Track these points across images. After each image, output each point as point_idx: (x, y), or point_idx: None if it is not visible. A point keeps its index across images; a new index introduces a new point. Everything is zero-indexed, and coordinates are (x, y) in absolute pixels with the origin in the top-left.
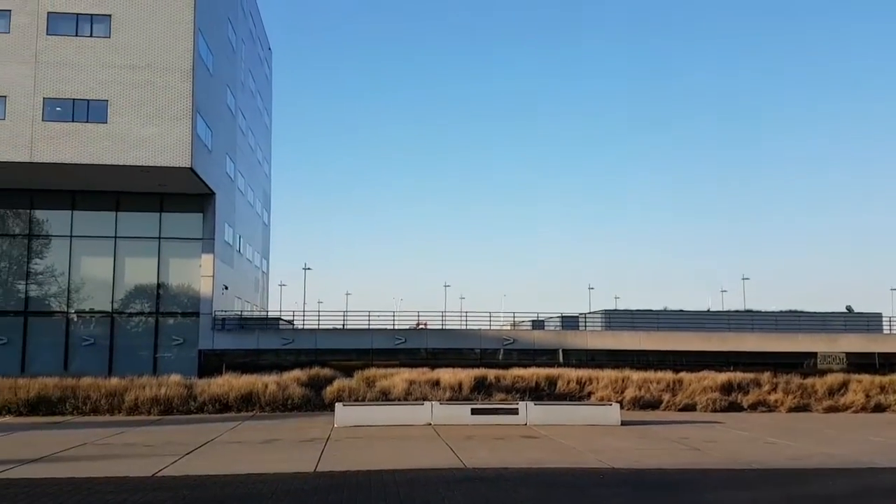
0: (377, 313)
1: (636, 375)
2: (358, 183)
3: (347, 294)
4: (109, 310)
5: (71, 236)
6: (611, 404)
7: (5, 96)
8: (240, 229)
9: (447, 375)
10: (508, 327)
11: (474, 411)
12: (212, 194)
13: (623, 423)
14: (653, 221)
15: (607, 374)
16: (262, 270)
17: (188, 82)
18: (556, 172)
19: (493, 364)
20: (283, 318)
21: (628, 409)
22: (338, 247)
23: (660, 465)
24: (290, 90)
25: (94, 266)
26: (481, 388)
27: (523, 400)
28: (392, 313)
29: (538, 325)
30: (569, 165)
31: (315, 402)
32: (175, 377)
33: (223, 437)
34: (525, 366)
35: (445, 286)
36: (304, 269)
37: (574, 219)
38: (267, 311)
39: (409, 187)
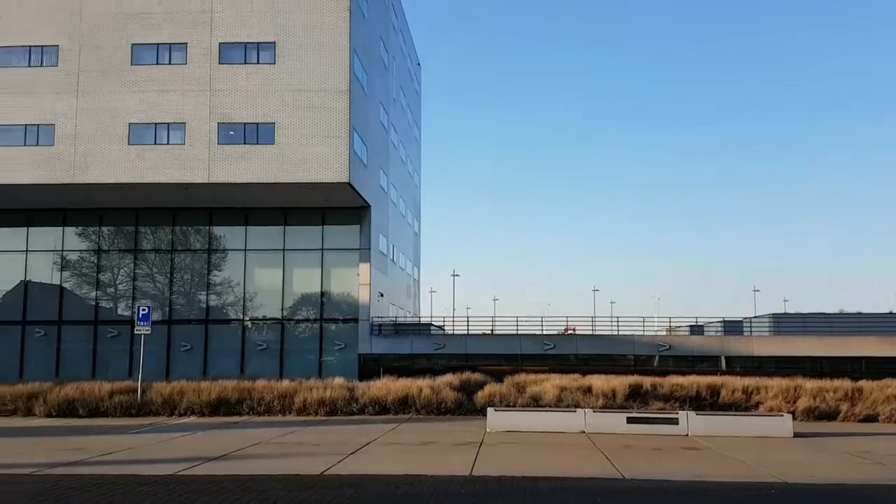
0: (525, 318)
1: (809, 384)
2: (504, 188)
3: (495, 299)
4: (279, 317)
5: (245, 250)
6: (781, 415)
7: (184, 123)
8: (393, 239)
9: (600, 382)
10: (664, 333)
11: (630, 420)
12: (367, 207)
13: (796, 435)
14: (823, 219)
15: (777, 383)
16: (414, 278)
17: (345, 102)
18: (709, 168)
19: (648, 371)
20: (434, 323)
21: (801, 421)
22: (485, 253)
23: (838, 480)
24: (437, 98)
25: (265, 277)
26: (636, 396)
27: (683, 409)
28: (540, 318)
29: (697, 330)
30: (726, 160)
31: (467, 406)
32: (338, 380)
33: (383, 438)
34: (683, 373)
35: (594, 290)
36: (453, 275)
37: (734, 217)
38: (419, 317)
39: (556, 191)
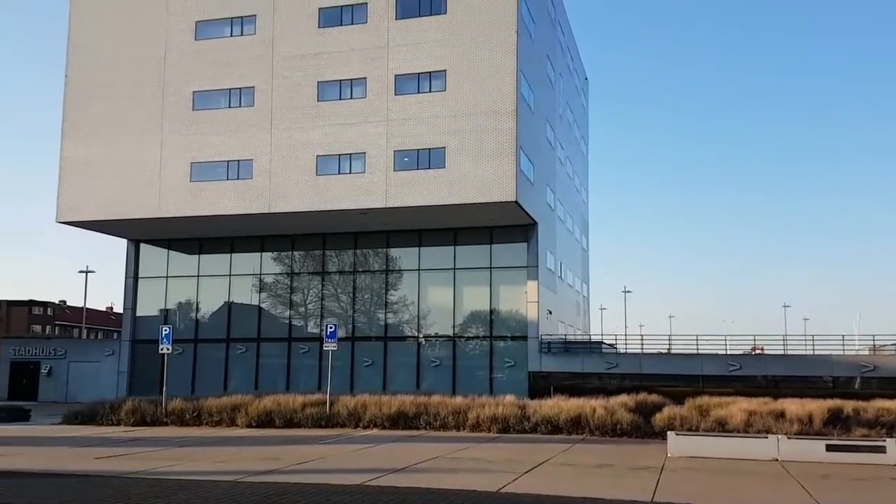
0: (705, 337)
1: None
2: (677, 201)
3: (670, 317)
4: (451, 334)
5: (418, 270)
6: None
7: (364, 152)
8: (560, 256)
9: (793, 406)
10: (866, 352)
11: (830, 447)
12: (534, 224)
13: None
14: None
15: None
16: (583, 295)
17: (512, 122)
18: None
19: (849, 394)
20: (605, 341)
21: None
22: (658, 268)
23: None
24: (606, 115)
25: (436, 295)
26: (836, 422)
27: (891, 436)
28: (723, 337)
29: None
30: None
31: (644, 428)
32: (509, 398)
33: (556, 459)
34: (890, 396)
35: (784, 306)
36: (624, 291)
37: None
38: (589, 335)
39: (736, 202)
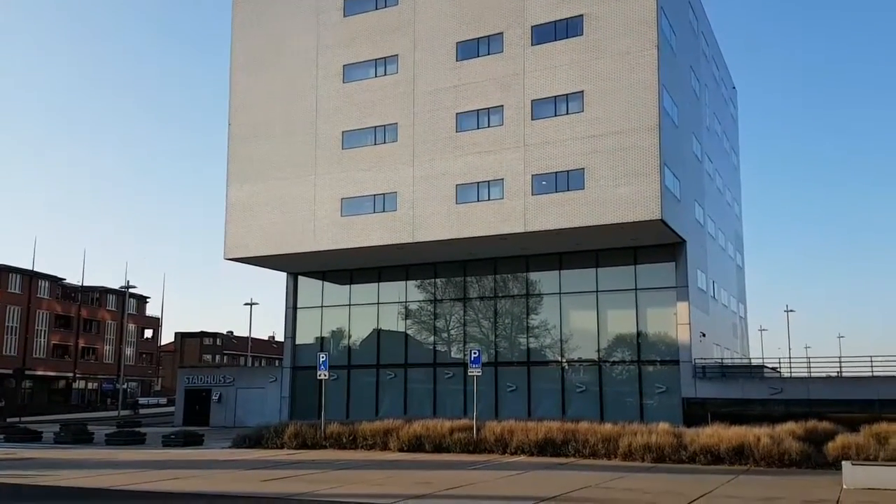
0: (881, 358)
1: None
2: (841, 210)
3: (840, 337)
4: (596, 358)
5: (560, 293)
6: None
7: (502, 179)
8: (712, 274)
9: None
10: None
11: None
12: (682, 242)
13: None
14: None
15: None
16: (740, 315)
17: (655, 139)
18: None
19: None
20: (766, 365)
21: None
22: (823, 284)
23: None
24: (758, 124)
25: (579, 319)
26: None
27: None
28: None
29: None
30: None
31: (815, 458)
32: (663, 425)
33: (719, 491)
34: None
35: None
36: (787, 311)
37: None
38: (749, 359)
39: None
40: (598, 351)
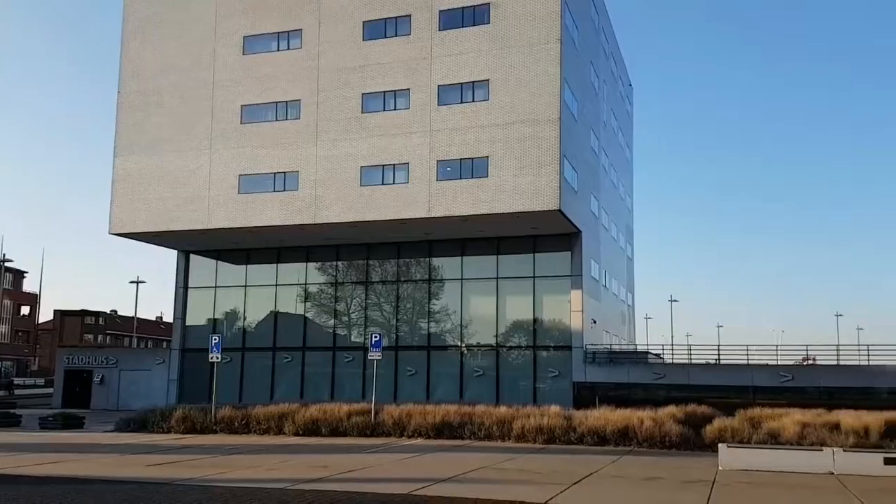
0: (756, 347)
1: None
2: (725, 208)
3: (719, 326)
4: (494, 344)
5: (462, 279)
6: None
7: (408, 163)
8: (605, 264)
9: (849, 418)
10: None
11: (888, 461)
12: (578, 233)
13: None
14: None
15: None
16: (628, 304)
17: (555, 131)
18: None
19: None
20: (651, 351)
21: None
22: (706, 277)
23: None
24: (649, 119)
25: (479, 305)
26: (894, 435)
27: None
28: (774, 347)
29: None
30: None
31: (693, 441)
32: (555, 408)
33: (604, 470)
34: None
35: (837, 315)
36: (670, 300)
37: None
38: (635, 345)
39: (783, 208)
40: (496, 336)
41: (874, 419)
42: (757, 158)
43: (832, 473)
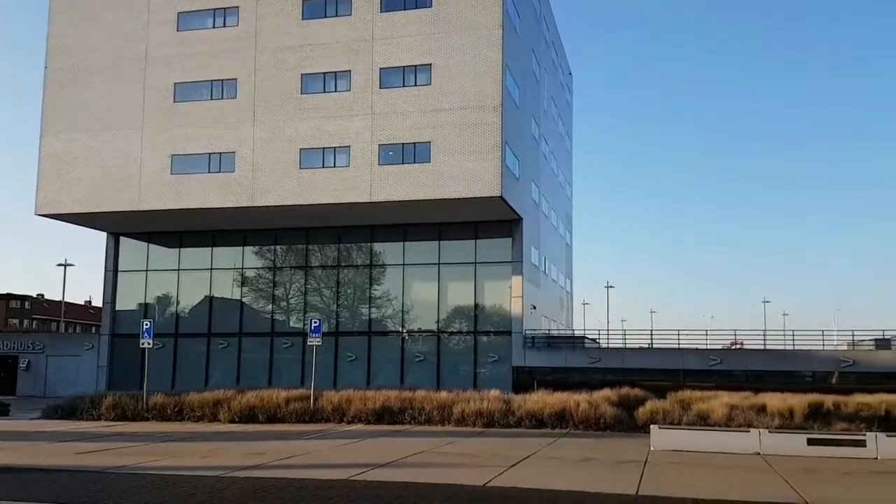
0: (686, 332)
1: None
2: (661, 198)
3: (652, 312)
4: (435, 329)
5: (403, 265)
6: None
7: (349, 146)
8: (545, 251)
9: (774, 401)
10: (845, 347)
11: (811, 441)
12: (519, 220)
13: None
14: None
15: None
16: (566, 290)
17: (497, 118)
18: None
19: (829, 389)
20: (588, 336)
21: None
22: (641, 264)
23: None
24: (588, 109)
25: (421, 290)
26: (816, 416)
27: (870, 430)
28: (704, 332)
29: (883, 344)
30: None
31: (627, 422)
32: (494, 392)
33: (542, 452)
34: (868, 391)
35: (764, 302)
36: (607, 287)
37: None
38: (573, 330)
39: (716, 198)
40: (438, 322)
41: (798, 401)
42: (690, 149)
43: (758, 454)
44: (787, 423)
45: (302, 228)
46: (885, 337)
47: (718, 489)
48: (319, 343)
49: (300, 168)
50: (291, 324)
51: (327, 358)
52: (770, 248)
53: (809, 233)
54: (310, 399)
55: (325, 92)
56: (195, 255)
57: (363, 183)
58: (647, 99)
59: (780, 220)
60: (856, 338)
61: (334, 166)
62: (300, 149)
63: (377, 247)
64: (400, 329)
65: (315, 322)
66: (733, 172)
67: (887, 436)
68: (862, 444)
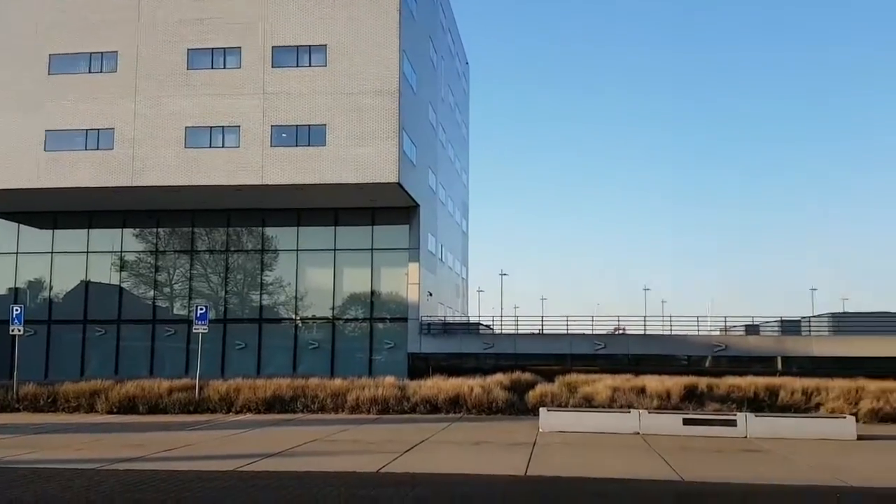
0: (575, 318)
1: (873, 385)
2: (553, 190)
3: (543, 299)
4: (330, 316)
5: (297, 250)
6: (844, 417)
7: (239, 126)
8: (441, 238)
9: (653, 383)
10: (718, 332)
11: (686, 421)
12: (416, 207)
13: (860, 438)
14: (885, 216)
15: (838, 384)
16: (462, 277)
17: (395, 103)
18: (768, 170)
19: (703, 372)
20: (482, 323)
21: (864, 423)
22: (533, 253)
23: None
24: (485, 98)
25: (316, 276)
26: (692, 398)
27: (740, 411)
28: (590, 318)
29: (752, 330)
30: (781, 162)
31: (518, 406)
32: (389, 379)
33: (436, 437)
34: (739, 374)
35: (645, 289)
36: (501, 274)
37: (791, 217)
38: (468, 317)
39: (603, 192)
40: (333, 309)
41: (675, 383)
42: (582, 140)
43: (638, 433)
44: (664, 404)
45: (188, 210)
46: (755, 323)
47: (601, 467)
48: (205, 331)
49: (186, 147)
50: (175, 310)
51: (214, 346)
52: (651, 237)
53: (687, 222)
54: (195, 389)
55: (213, 68)
56: (70, 238)
57: (254, 165)
58: (543, 91)
59: (661, 209)
60: (728, 324)
61: (223, 146)
62: (186, 127)
63: (269, 231)
64: (293, 316)
65: (201, 309)
66: (621, 161)
67: (756, 416)
68: (733, 423)
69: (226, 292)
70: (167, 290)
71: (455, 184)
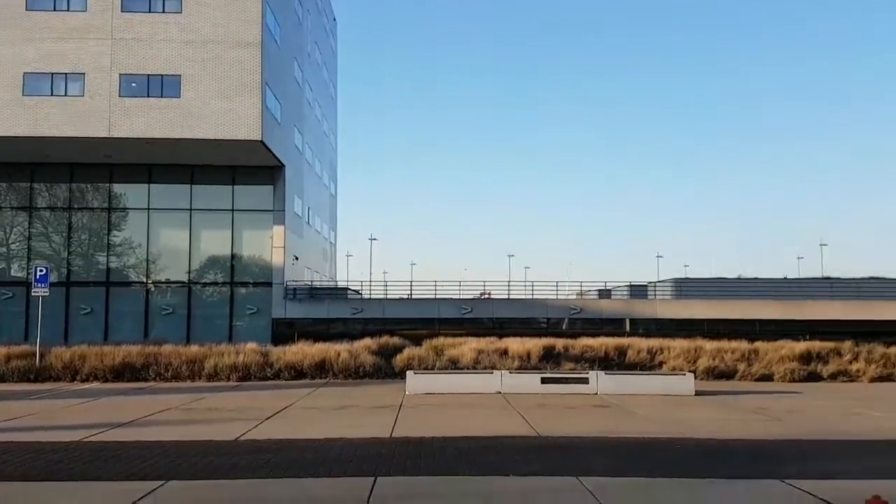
0: (443, 283)
1: (709, 345)
2: (422, 154)
3: (412, 264)
4: (186, 280)
5: (148, 209)
6: (684, 374)
7: (83, 73)
8: (308, 201)
9: (515, 345)
10: (575, 296)
11: (544, 380)
12: (281, 166)
13: (697, 394)
14: (725, 188)
15: (679, 344)
16: (330, 241)
17: (257, 56)
18: (623, 140)
19: (560, 333)
20: (351, 288)
21: (702, 380)
22: (403, 218)
23: (740, 436)
24: (354, 58)
25: (170, 238)
26: (550, 358)
27: (592, 369)
28: (458, 283)
29: (605, 294)
30: (636, 132)
31: (386, 370)
32: (251, 345)
33: (300, 403)
34: (592, 335)
35: (509, 256)
36: (370, 239)
37: (641, 186)
38: (336, 282)
39: (471, 157)
40: (189, 272)
41: (534, 345)
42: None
43: (500, 393)
44: (525, 364)
45: (26, 163)
46: (607, 288)
47: (464, 426)
48: (46, 294)
49: (24, 94)
50: (13, 272)
51: (57, 311)
52: (515, 205)
53: (553, 189)
54: (35, 356)
55: (55, 10)
56: None
57: (100, 115)
58: (413, 43)
59: (525, 178)
60: (583, 288)
61: (65, 95)
62: (24, 73)
63: (117, 188)
64: (144, 280)
65: (41, 270)
66: (495, 130)
67: (606, 374)
68: (585, 381)
69: (69, 253)
70: (3, 249)
71: (323, 144)
